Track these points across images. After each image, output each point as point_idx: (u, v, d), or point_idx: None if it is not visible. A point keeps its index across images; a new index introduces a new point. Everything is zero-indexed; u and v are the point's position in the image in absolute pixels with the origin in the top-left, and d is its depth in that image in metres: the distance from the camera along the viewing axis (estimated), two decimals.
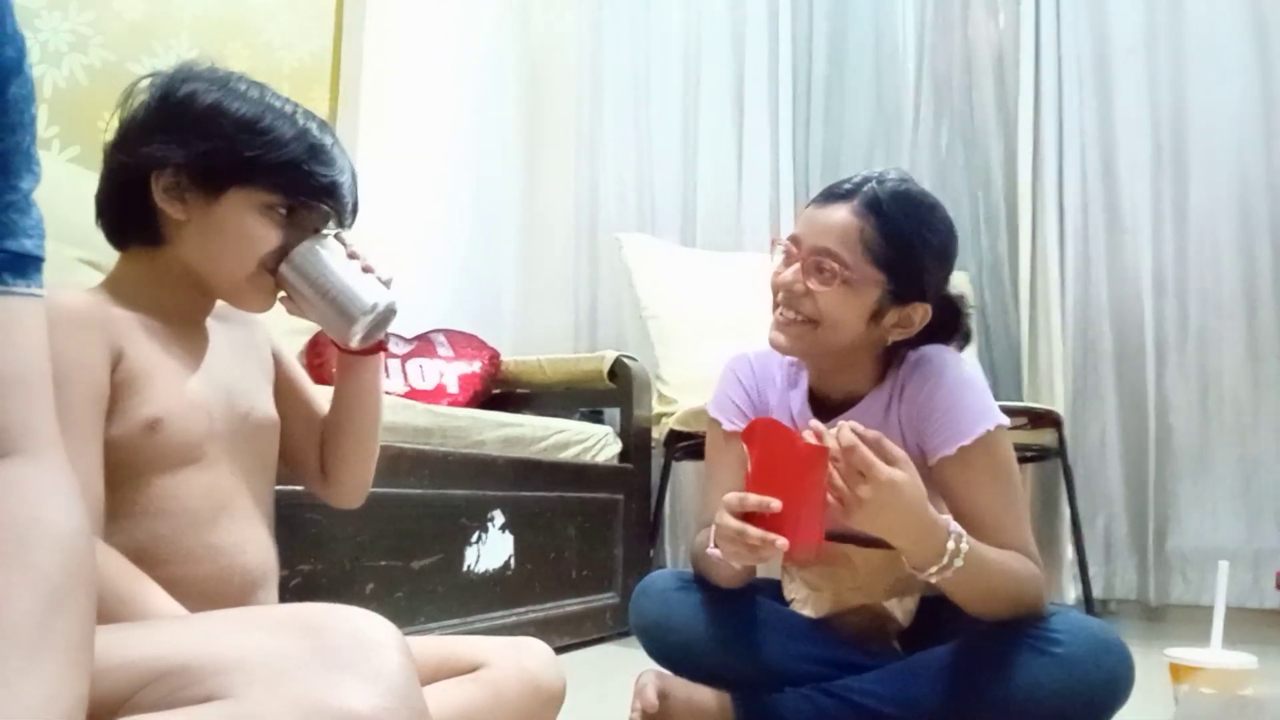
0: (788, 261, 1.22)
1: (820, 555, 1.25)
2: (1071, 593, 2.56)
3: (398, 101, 2.85)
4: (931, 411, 1.20)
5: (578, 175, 3.33)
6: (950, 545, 1.06)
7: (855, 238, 1.17)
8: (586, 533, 2.22)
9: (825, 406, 1.28)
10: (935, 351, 1.25)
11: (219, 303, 1.00)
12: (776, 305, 1.23)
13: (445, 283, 3.00)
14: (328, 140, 0.97)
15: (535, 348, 3.00)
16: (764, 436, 1.06)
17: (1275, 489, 2.50)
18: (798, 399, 1.31)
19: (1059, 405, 2.58)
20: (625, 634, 2.19)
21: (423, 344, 2.67)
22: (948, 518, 1.09)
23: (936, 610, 1.23)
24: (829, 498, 1.05)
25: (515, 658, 1.02)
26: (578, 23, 3.38)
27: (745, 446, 1.08)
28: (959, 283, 2.51)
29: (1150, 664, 1.25)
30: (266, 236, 0.94)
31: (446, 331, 2.73)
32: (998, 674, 1.13)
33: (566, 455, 2.24)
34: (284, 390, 1.09)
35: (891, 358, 1.27)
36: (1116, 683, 1.12)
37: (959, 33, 2.98)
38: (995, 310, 2.89)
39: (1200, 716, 0.96)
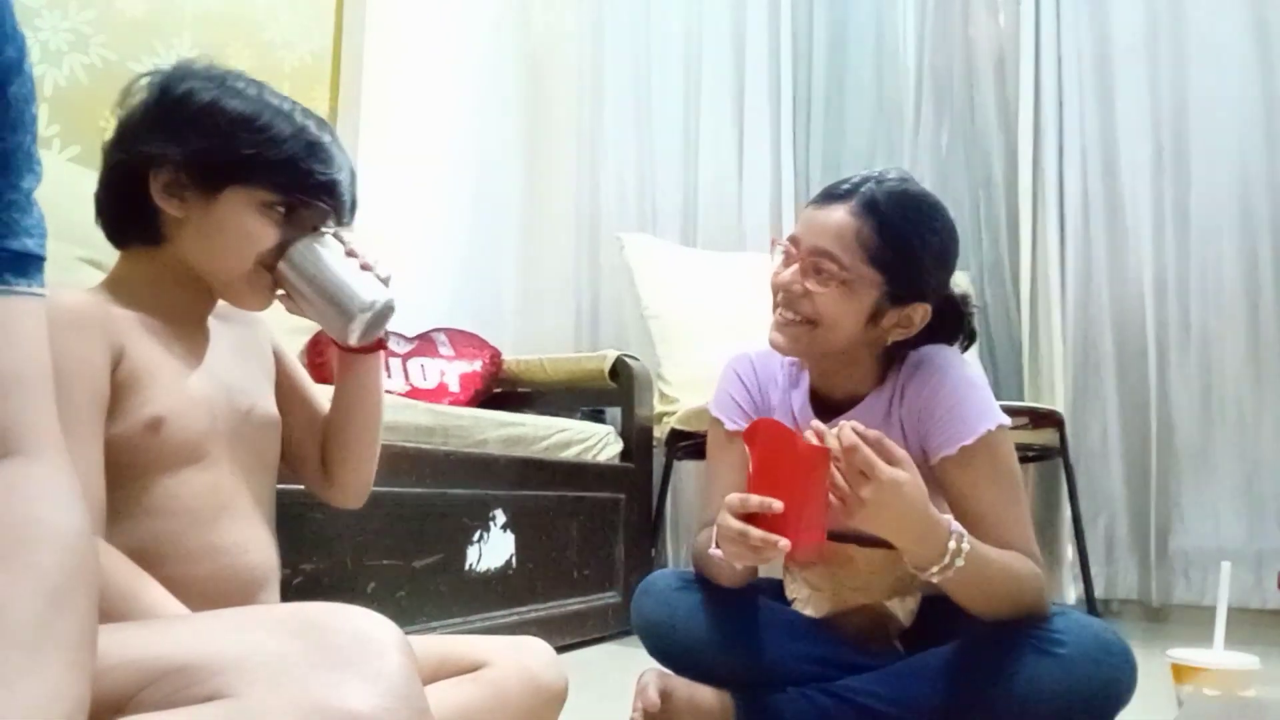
0: (787, 262, 1.22)
1: (822, 555, 1.25)
2: (1073, 593, 2.56)
3: (398, 101, 2.85)
4: (933, 411, 1.20)
5: (579, 175, 3.33)
6: (951, 545, 1.06)
7: (852, 238, 1.17)
8: (588, 532, 2.22)
9: (827, 406, 1.27)
10: (936, 351, 1.25)
11: (220, 302, 1.00)
12: (776, 305, 1.23)
13: (446, 282, 3.00)
14: (326, 138, 0.97)
15: (536, 347, 3.00)
16: (765, 437, 1.06)
17: (1277, 489, 2.49)
18: (799, 399, 1.31)
19: (1060, 405, 2.58)
20: (627, 633, 2.19)
21: (424, 343, 2.68)
22: (949, 517, 1.09)
23: (938, 610, 1.23)
24: (830, 498, 1.05)
25: (516, 657, 1.02)
26: (578, 23, 3.38)
27: (747, 447, 1.08)
28: (960, 283, 2.51)
29: (1152, 665, 1.25)
30: (265, 234, 0.94)
31: (448, 330, 2.73)
32: (999, 675, 1.13)
33: (568, 454, 2.24)
34: (285, 389, 1.09)
35: (893, 358, 1.27)
36: (1118, 684, 1.12)
37: (959, 33, 2.98)
38: (996, 310, 2.89)
39: (1203, 718, 0.96)
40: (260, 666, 0.60)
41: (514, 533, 1.97)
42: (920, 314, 1.21)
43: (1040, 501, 2.67)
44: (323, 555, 1.51)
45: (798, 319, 1.20)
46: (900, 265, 1.18)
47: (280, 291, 0.99)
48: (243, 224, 0.93)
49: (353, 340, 1.00)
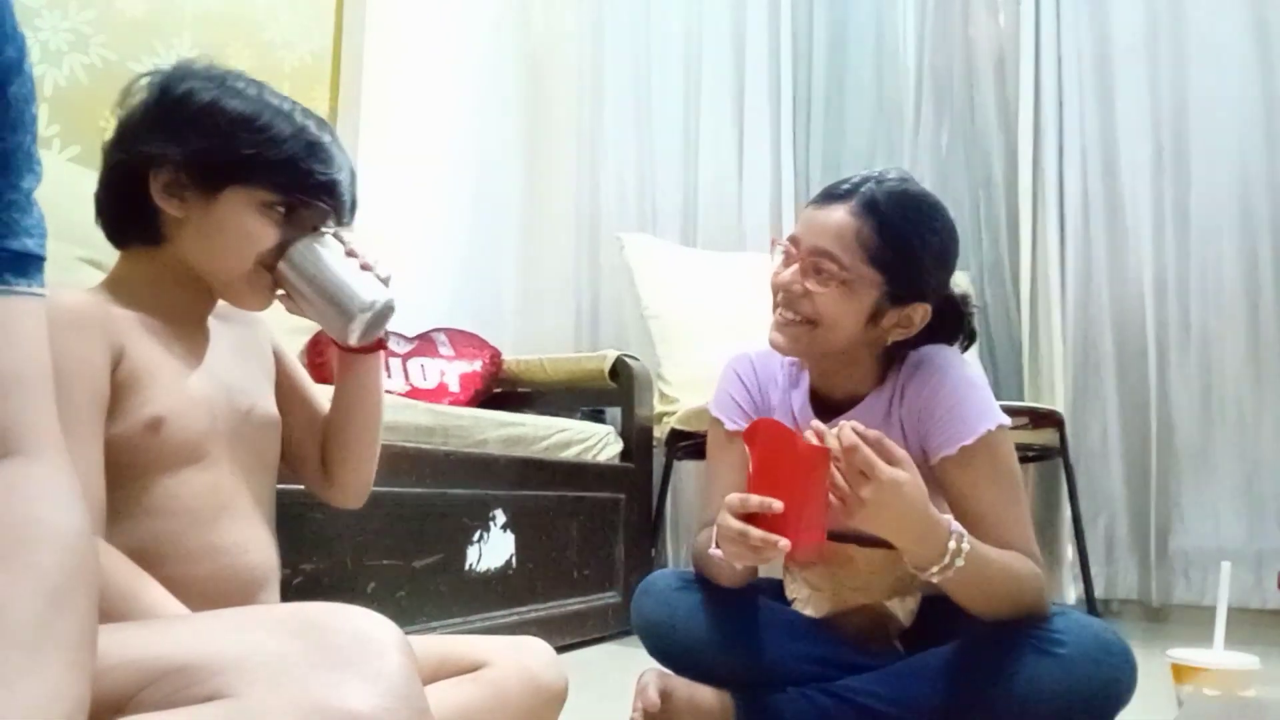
0: (787, 262, 1.22)
1: (822, 555, 1.25)
2: (1073, 593, 2.56)
3: (398, 101, 2.85)
4: (933, 411, 1.20)
5: (579, 175, 3.33)
6: (951, 545, 1.06)
7: (852, 238, 1.17)
8: (588, 532, 2.22)
9: (827, 406, 1.27)
10: (937, 351, 1.25)
11: (220, 302, 1.00)
12: (776, 305, 1.23)
13: (446, 282, 3.00)
14: (326, 138, 0.97)
15: (536, 347, 3.00)
16: (765, 437, 1.06)
17: (1277, 489, 2.49)
18: (799, 399, 1.31)
19: (1060, 405, 2.58)
20: (627, 633, 2.19)
21: (424, 343, 2.68)
22: (949, 517, 1.09)
23: (938, 610, 1.23)
24: (831, 498, 1.05)
25: (516, 657, 1.02)
26: (578, 23, 3.38)
27: (746, 447, 1.08)
28: (960, 283, 2.51)
29: (1152, 665, 1.24)
30: (265, 234, 0.94)
31: (448, 330, 2.73)
32: (999, 675, 1.13)
33: (568, 454, 2.24)
34: (285, 389, 1.09)
35: (893, 357, 1.27)
36: (1118, 684, 1.12)
37: (959, 33, 2.98)
38: (996, 310, 2.89)
39: (1203, 718, 0.96)
40: (260, 666, 0.60)
41: (514, 533, 1.97)
42: (920, 314, 1.21)
43: (1040, 501, 2.67)
44: (323, 555, 1.51)
45: (798, 319, 1.20)
46: (900, 265, 1.18)
47: (280, 291, 0.99)
48: (243, 224, 0.93)
49: (353, 340, 1.00)
